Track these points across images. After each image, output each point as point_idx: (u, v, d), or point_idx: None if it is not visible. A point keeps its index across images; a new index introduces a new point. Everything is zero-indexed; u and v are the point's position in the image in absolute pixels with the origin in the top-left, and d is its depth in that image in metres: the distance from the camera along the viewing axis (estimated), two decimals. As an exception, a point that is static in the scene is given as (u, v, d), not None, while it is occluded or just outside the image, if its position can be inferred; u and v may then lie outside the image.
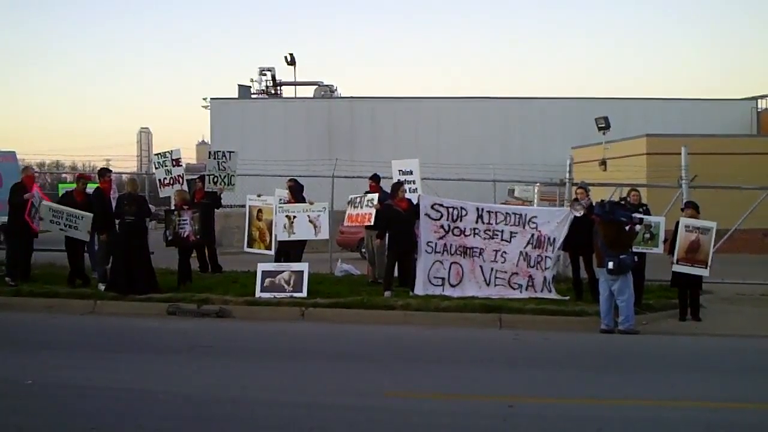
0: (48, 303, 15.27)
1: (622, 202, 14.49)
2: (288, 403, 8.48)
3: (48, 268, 18.03)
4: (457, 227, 16.18)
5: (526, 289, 15.82)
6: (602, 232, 14.06)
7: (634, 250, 15.05)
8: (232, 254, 21.22)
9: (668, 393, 9.51)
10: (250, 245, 17.27)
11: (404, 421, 7.95)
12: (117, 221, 16.25)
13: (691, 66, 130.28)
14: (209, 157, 18.73)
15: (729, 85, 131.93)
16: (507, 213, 16.35)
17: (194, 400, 8.61)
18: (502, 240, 16.09)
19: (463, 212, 16.25)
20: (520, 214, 16.36)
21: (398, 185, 16.54)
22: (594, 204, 15.33)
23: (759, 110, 50.07)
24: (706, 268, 15.05)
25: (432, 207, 16.23)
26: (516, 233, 16.03)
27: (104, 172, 17.86)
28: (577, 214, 15.41)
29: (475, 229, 16.17)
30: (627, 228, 13.94)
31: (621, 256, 13.69)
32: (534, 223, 16.09)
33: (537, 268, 15.91)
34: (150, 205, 17.50)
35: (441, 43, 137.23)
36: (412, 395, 9.06)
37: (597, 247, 14.26)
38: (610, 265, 13.80)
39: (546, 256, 15.91)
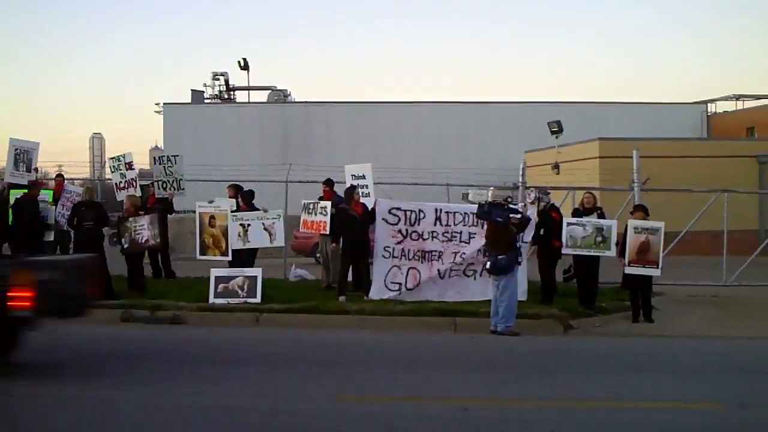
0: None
1: (505, 203, 14.43)
2: (241, 409, 8.41)
3: None
4: (415, 231, 16.07)
5: (480, 275, 15.58)
6: (486, 232, 14.22)
7: (586, 253, 15.26)
8: (185, 260, 21.04)
9: (621, 394, 9.56)
10: (203, 252, 17.03)
11: (357, 426, 7.95)
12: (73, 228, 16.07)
13: (642, 70, 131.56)
14: (155, 163, 18.60)
15: (680, 89, 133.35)
16: (465, 213, 16.14)
17: (147, 406, 8.51)
18: (461, 242, 15.99)
19: (421, 215, 16.12)
20: None
21: (351, 189, 16.52)
22: (551, 204, 15.88)
23: (709, 114, 50.81)
24: (657, 267, 15.25)
25: (389, 212, 16.13)
26: (475, 234, 15.84)
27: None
28: (529, 200, 16.10)
29: (433, 232, 16.06)
30: (506, 228, 13.83)
31: (498, 257, 13.66)
32: None
33: None
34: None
35: (396, 48, 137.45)
36: (365, 399, 9.04)
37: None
38: (488, 265, 13.94)
39: None
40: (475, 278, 15.81)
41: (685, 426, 8.24)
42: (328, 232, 16.99)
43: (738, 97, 51.47)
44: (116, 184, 18.40)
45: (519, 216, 14.19)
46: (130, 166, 18.35)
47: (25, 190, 16.83)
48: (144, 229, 16.31)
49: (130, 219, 16.45)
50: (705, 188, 21.06)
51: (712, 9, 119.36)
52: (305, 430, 7.82)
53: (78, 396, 8.94)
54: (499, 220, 13.79)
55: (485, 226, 14.54)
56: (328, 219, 16.78)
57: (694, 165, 31.44)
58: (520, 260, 14.08)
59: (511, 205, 14.50)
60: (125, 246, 16.39)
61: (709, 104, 51.64)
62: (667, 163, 28.67)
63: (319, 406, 8.68)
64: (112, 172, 18.54)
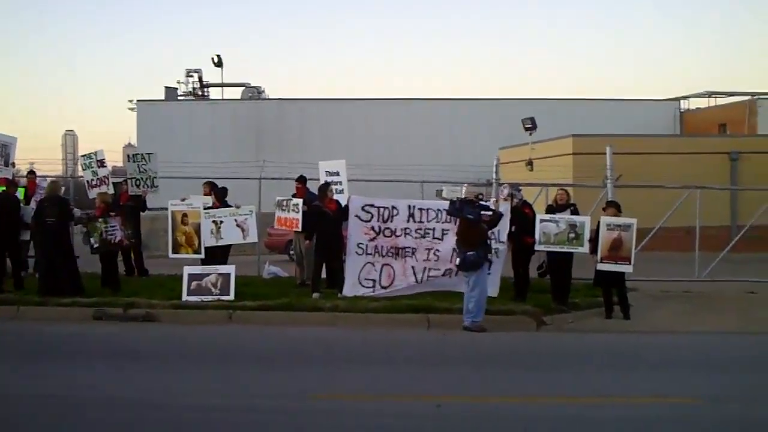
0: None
1: (476, 200, 14.44)
2: (216, 407, 8.38)
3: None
4: (388, 228, 16.03)
5: (456, 274, 15.27)
6: (457, 229, 14.29)
7: (559, 249, 15.33)
8: (158, 258, 20.92)
9: (595, 390, 9.60)
10: (175, 251, 16.86)
11: (331, 423, 7.93)
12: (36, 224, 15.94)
13: (616, 67, 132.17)
14: (128, 161, 18.55)
15: (653, 86, 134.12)
16: (438, 210, 16.05)
17: (123, 405, 8.46)
18: (434, 238, 15.91)
19: (395, 211, 16.06)
20: None
21: (325, 186, 16.48)
22: (523, 200, 16.09)
23: (682, 111, 51.07)
24: (629, 264, 15.28)
25: (362, 208, 16.05)
26: (448, 231, 15.72)
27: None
28: (502, 196, 16.13)
29: (406, 229, 16.02)
30: (477, 225, 13.85)
31: (467, 253, 13.70)
32: None
33: None
34: (76, 209, 17.21)
35: (369, 46, 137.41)
36: (338, 397, 9.03)
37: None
38: (457, 261, 14.05)
39: None
40: (450, 277, 15.76)
41: (658, 421, 8.26)
42: (300, 229, 16.96)
43: (710, 94, 51.67)
44: (88, 181, 18.32)
45: (490, 213, 14.22)
46: (102, 163, 18.29)
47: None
48: (116, 229, 16.15)
49: (101, 219, 16.28)
50: (678, 184, 21.17)
51: (686, 7, 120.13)
52: (278, 428, 7.79)
53: (54, 395, 8.86)
54: (470, 217, 13.82)
55: (458, 223, 14.54)
56: (300, 216, 16.75)
57: (667, 161, 31.54)
58: (489, 257, 14.08)
59: (482, 202, 14.51)
60: (95, 245, 16.21)
61: (682, 101, 51.86)
62: (641, 160, 28.69)
63: (291, 403, 8.66)
64: (84, 169, 18.47)
